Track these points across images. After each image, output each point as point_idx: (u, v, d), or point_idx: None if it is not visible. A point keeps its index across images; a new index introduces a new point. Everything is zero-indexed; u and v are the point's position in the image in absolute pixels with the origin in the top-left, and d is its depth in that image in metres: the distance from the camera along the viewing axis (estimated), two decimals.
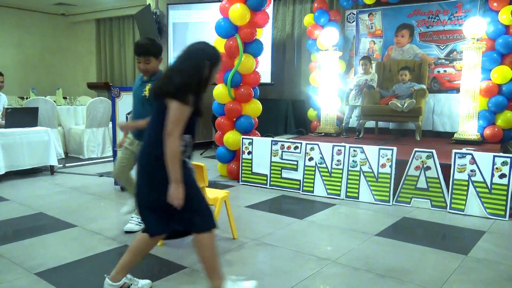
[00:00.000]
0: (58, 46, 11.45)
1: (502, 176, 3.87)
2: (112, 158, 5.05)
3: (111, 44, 10.86)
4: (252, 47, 5.34)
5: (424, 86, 6.14)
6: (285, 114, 7.42)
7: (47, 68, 11.27)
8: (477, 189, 3.96)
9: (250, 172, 5.18)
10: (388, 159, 4.36)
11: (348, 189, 4.54)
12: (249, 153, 5.18)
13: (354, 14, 7.20)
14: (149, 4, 7.91)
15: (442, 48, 6.50)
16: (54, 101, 7.21)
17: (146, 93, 3.15)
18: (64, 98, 8.12)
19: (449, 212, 4.07)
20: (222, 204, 3.18)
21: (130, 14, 9.84)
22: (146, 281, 2.49)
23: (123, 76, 10.60)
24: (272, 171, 5.02)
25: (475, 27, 5.44)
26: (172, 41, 7.70)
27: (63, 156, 7.01)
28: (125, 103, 4.74)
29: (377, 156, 4.41)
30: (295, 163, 4.86)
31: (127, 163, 3.34)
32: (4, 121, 5.56)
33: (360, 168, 4.48)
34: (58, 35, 11.44)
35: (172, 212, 2.16)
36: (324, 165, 4.68)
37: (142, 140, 2.33)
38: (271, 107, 7.16)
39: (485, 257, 3.00)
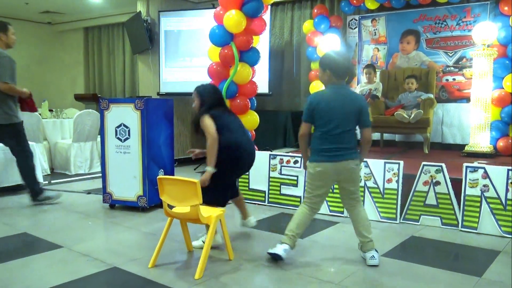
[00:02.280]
0: (44, 56, 11.50)
1: None
2: (100, 174, 5.02)
3: (100, 53, 10.91)
4: (249, 55, 5.37)
5: (432, 96, 6.15)
6: (284, 126, 7.43)
7: (33, 79, 11.26)
8: (491, 205, 3.94)
9: (247, 189, 5.15)
10: (394, 173, 4.35)
11: None
12: None
13: (356, 20, 7.26)
14: (140, 11, 7.97)
15: (450, 55, 6.54)
16: (40, 114, 7.22)
17: None
18: (50, 110, 8.13)
19: (461, 230, 4.04)
20: (217, 222, 3.16)
21: (119, 22, 9.90)
22: None
23: (112, 87, 10.62)
24: (270, 187, 5.00)
25: (485, 33, 5.48)
26: (164, 49, 7.74)
27: (49, 172, 6.99)
28: (114, 115, 4.73)
29: (382, 171, 4.40)
30: (295, 178, 4.85)
31: None
32: None
33: (365, 183, 4.46)
34: (44, 45, 11.49)
35: None
36: None
37: None
38: (269, 119, 7.17)
39: (501, 279, 2.97)
